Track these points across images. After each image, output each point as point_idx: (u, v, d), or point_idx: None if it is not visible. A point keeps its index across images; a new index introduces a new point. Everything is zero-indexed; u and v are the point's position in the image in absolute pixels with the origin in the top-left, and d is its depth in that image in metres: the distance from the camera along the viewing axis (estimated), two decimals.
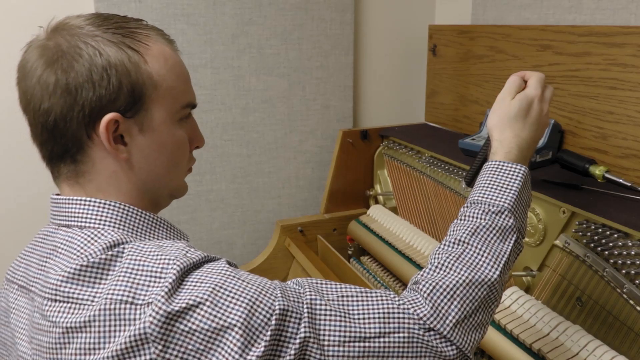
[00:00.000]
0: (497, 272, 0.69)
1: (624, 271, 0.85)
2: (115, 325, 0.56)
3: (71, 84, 0.62)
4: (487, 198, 0.74)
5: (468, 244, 0.70)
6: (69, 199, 0.67)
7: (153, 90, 0.66)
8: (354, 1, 1.57)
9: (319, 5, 1.52)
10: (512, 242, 0.72)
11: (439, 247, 0.73)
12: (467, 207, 0.75)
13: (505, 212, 0.72)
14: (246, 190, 1.58)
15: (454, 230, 0.74)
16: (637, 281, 0.83)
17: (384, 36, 1.68)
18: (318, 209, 1.66)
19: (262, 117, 1.54)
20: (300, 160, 1.63)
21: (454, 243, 0.71)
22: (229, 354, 0.55)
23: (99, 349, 0.56)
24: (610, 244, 0.87)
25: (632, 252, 0.84)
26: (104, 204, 0.66)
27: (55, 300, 0.59)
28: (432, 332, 0.64)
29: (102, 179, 0.67)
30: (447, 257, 0.70)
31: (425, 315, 0.65)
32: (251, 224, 1.62)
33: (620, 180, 0.98)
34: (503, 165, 0.77)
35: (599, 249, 0.88)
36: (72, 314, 0.58)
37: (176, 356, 0.55)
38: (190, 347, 0.55)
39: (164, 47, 0.69)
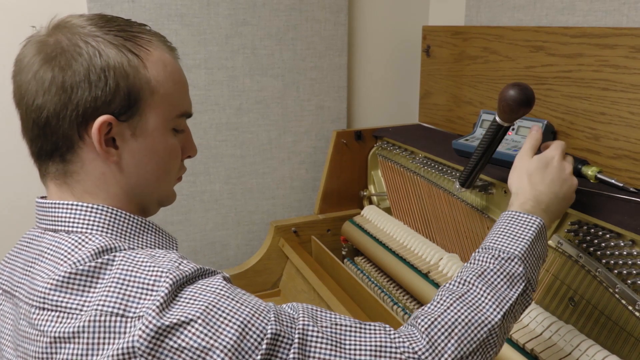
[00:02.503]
0: (499, 316, 0.68)
1: (616, 271, 0.85)
2: (104, 338, 0.55)
3: (67, 82, 0.61)
4: (498, 244, 0.74)
5: (473, 284, 0.70)
6: (55, 203, 0.65)
7: (150, 95, 0.65)
8: (348, 2, 1.57)
9: (312, 6, 1.52)
10: (519, 289, 0.70)
11: (444, 286, 0.73)
12: (478, 252, 0.75)
13: (515, 260, 0.72)
14: (240, 191, 1.58)
15: (461, 272, 0.74)
16: (629, 281, 0.83)
17: (378, 37, 1.68)
18: (312, 210, 1.66)
19: (256, 117, 1.54)
20: (295, 160, 1.63)
21: (459, 283, 0.72)
22: None
23: None
24: (603, 244, 0.87)
25: (625, 252, 0.85)
26: (92, 208, 0.65)
27: (44, 309, 0.58)
28: None
29: (91, 180, 0.66)
30: (450, 295, 0.70)
31: (420, 349, 0.63)
32: (245, 225, 1.61)
33: (613, 181, 0.98)
34: (517, 215, 0.77)
35: (592, 249, 0.88)
36: (61, 323, 0.56)
37: None
38: None
39: (165, 54, 0.68)
